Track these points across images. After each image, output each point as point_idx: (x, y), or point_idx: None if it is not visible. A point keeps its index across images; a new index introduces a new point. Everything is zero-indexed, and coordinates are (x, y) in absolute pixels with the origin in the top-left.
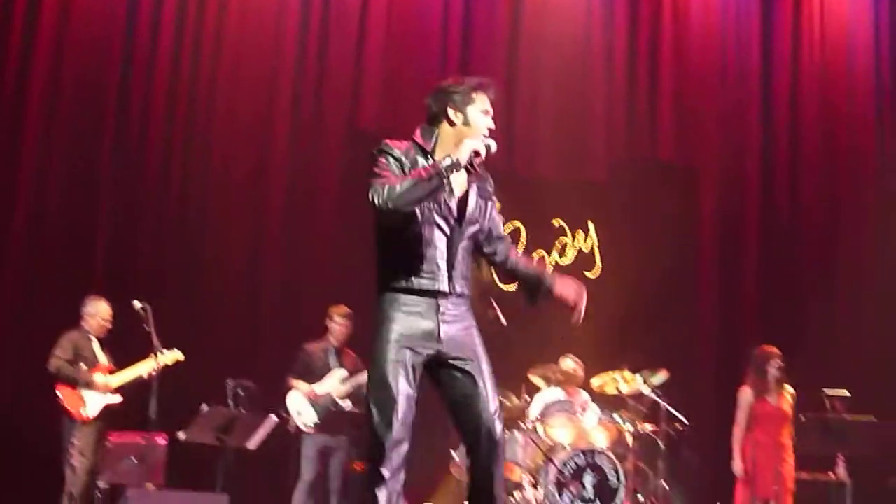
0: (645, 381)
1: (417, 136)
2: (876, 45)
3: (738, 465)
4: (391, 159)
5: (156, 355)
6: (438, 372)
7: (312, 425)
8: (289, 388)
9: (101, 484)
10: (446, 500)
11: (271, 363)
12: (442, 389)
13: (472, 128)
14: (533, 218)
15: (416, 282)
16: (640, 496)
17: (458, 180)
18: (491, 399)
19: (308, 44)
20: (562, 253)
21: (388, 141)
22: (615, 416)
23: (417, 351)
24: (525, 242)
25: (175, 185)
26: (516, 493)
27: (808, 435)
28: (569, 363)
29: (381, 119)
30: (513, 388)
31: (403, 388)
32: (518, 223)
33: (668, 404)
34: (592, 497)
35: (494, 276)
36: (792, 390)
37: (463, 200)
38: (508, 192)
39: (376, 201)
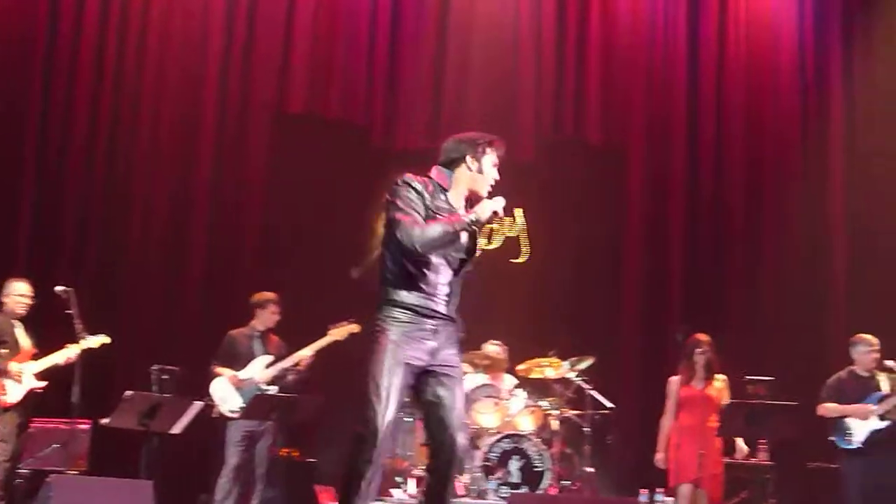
0: (571, 367)
1: (435, 174)
2: (800, 29)
3: (660, 457)
4: (414, 193)
5: (79, 340)
6: (422, 382)
7: (237, 411)
8: (213, 375)
9: (23, 470)
10: None
11: (196, 348)
12: (419, 394)
13: (484, 176)
14: None
15: (420, 301)
16: (565, 481)
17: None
18: (459, 414)
19: (235, 27)
20: (489, 238)
21: (409, 175)
22: (541, 401)
23: (411, 364)
24: None
25: (99, 169)
26: None
27: (732, 420)
28: (493, 348)
29: (310, 103)
30: None
31: (395, 399)
32: None
33: (594, 389)
34: (518, 481)
35: None
36: (724, 377)
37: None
38: None
39: (406, 241)
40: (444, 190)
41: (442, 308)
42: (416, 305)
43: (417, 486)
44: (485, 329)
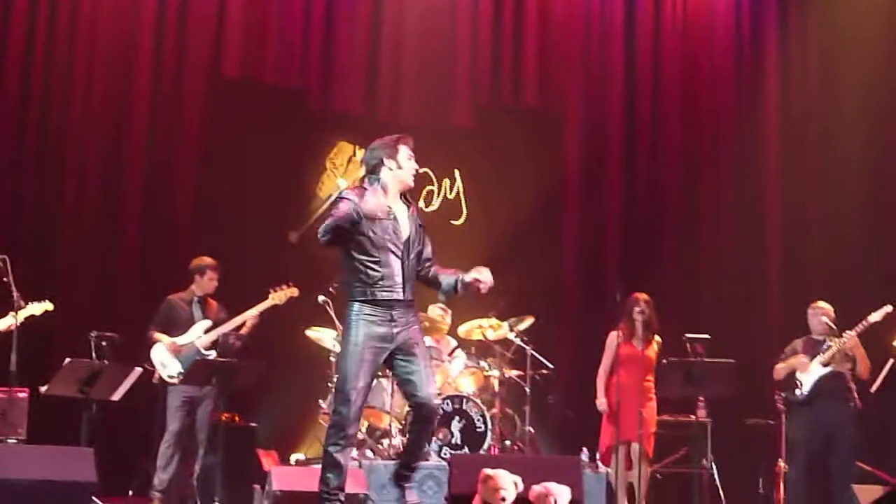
0: (511, 328)
1: (367, 187)
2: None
3: (601, 402)
4: (347, 204)
5: (16, 309)
6: (391, 359)
7: (177, 376)
8: (151, 341)
9: None
10: (315, 447)
11: (134, 314)
12: (393, 371)
13: (404, 170)
14: None
15: (378, 294)
16: (507, 441)
17: (403, 216)
18: (429, 381)
19: None
20: (428, 201)
21: (346, 189)
22: (482, 362)
23: (377, 349)
24: None
25: (32, 136)
26: (384, 441)
27: (670, 378)
28: (435, 311)
29: (246, 66)
30: None
31: (364, 382)
32: None
33: (534, 350)
34: (460, 443)
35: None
36: (659, 339)
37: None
38: (372, 139)
39: (320, 236)
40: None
41: (398, 295)
42: (375, 298)
43: (358, 449)
44: (427, 292)
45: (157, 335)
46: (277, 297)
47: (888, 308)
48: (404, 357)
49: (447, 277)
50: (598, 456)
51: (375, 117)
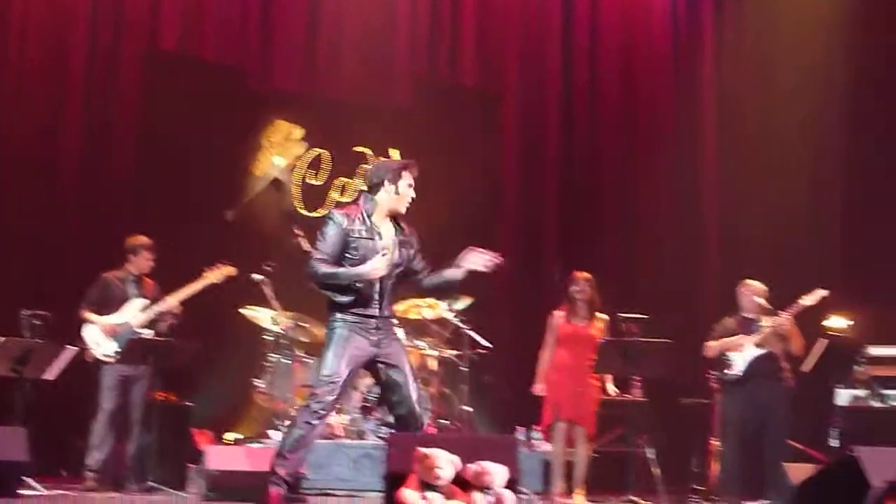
0: (448, 307)
1: (361, 201)
2: None
3: (538, 387)
4: (332, 229)
5: None
6: (374, 367)
7: (112, 355)
8: (83, 320)
9: None
10: (251, 426)
11: (68, 292)
12: (376, 378)
13: (401, 196)
14: (336, 143)
15: (359, 309)
16: (444, 420)
17: (387, 237)
18: (413, 390)
19: None
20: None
21: (335, 210)
22: (418, 341)
23: (357, 354)
24: (328, 169)
25: None
26: None
27: (607, 357)
28: None
29: (183, 41)
30: (316, 315)
31: (343, 377)
32: (321, 150)
33: (471, 329)
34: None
35: (300, 205)
36: (605, 317)
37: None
38: (311, 117)
39: (310, 273)
40: (370, 215)
41: (375, 311)
42: (355, 310)
43: None
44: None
45: (89, 315)
46: (213, 275)
47: (822, 292)
48: (389, 368)
49: (441, 280)
50: (537, 434)
51: (314, 95)
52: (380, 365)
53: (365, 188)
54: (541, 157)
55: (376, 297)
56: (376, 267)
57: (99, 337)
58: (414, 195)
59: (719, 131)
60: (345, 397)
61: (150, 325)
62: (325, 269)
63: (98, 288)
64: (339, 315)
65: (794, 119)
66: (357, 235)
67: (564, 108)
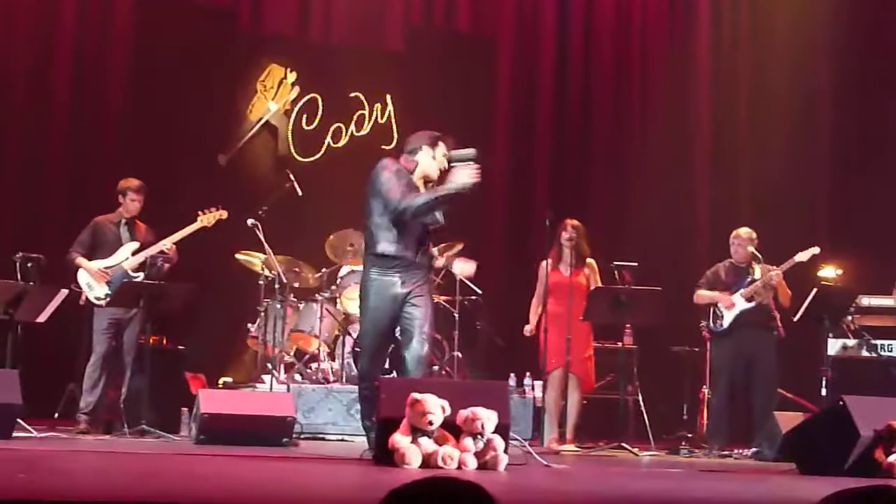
0: (439, 253)
1: (402, 160)
2: None
3: (528, 328)
4: (394, 172)
5: None
6: (401, 308)
7: (104, 298)
8: (75, 265)
9: None
10: (243, 371)
11: (60, 235)
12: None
13: (436, 161)
14: (330, 89)
15: (398, 252)
16: (435, 366)
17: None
18: (422, 328)
19: None
20: (359, 125)
21: (385, 160)
22: None
23: (391, 304)
24: (321, 114)
25: None
26: (313, 365)
27: (598, 305)
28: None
29: None
30: (309, 260)
31: (381, 331)
32: (315, 94)
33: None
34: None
35: (293, 150)
36: (592, 262)
37: None
38: (304, 63)
39: (399, 209)
40: (410, 172)
41: (411, 255)
42: (394, 255)
43: (286, 373)
44: (357, 216)
45: (81, 260)
46: (206, 219)
47: (815, 249)
48: (410, 306)
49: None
50: (527, 381)
51: (306, 39)
52: (403, 307)
53: (407, 151)
54: (533, 103)
55: (415, 242)
56: (467, 181)
57: (91, 280)
58: (446, 165)
59: (712, 80)
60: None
61: (143, 268)
62: (418, 199)
63: (90, 232)
64: (372, 263)
65: (785, 68)
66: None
67: (558, 56)
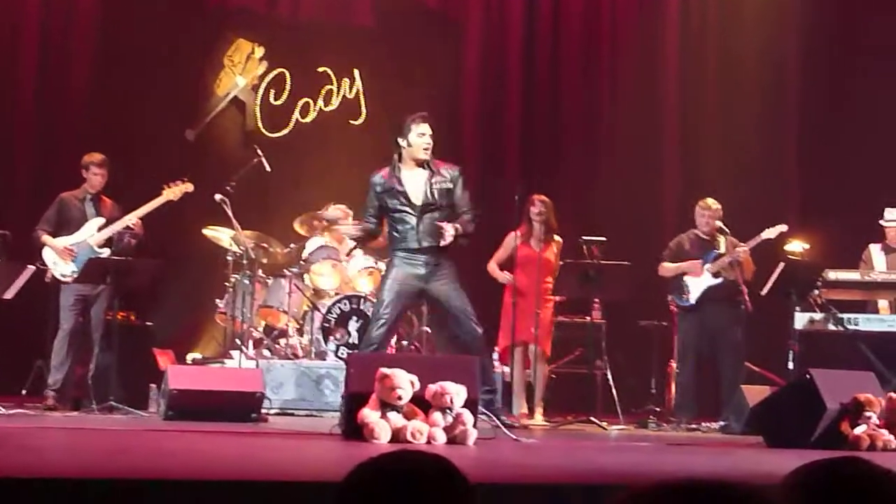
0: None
1: (395, 159)
2: None
3: (505, 277)
4: (371, 193)
5: None
6: (423, 296)
7: (70, 275)
8: (40, 243)
9: None
10: (210, 346)
11: (26, 211)
12: (431, 307)
13: (414, 147)
14: (298, 64)
15: (405, 245)
16: (404, 341)
17: (417, 182)
18: (462, 309)
19: None
20: (327, 101)
21: (374, 173)
22: (379, 262)
23: (405, 290)
24: (290, 89)
25: None
26: (282, 340)
27: (566, 280)
28: (336, 211)
29: None
30: (278, 235)
31: (393, 307)
32: (283, 69)
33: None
34: (357, 342)
35: (261, 125)
36: (559, 240)
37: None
38: (272, 38)
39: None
40: (395, 168)
41: (414, 244)
42: (403, 248)
43: (255, 348)
44: (325, 191)
45: (46, 238)
46: (171, 192)
47: (782, 227)
48: (438, 292)
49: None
50: (496, 355)
51: (275, 14)
52: (429, 295)
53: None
54: (503, 78)
55: (412, 232)
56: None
57: (57, 258)
58: (429, 142)
59: (681, 54)
60: (394, 331)
61: (109, 244)
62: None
63: (55, 208)
64: (393, 252)
65: (754, 46)
66: (388, 195)
67: (527, 32)
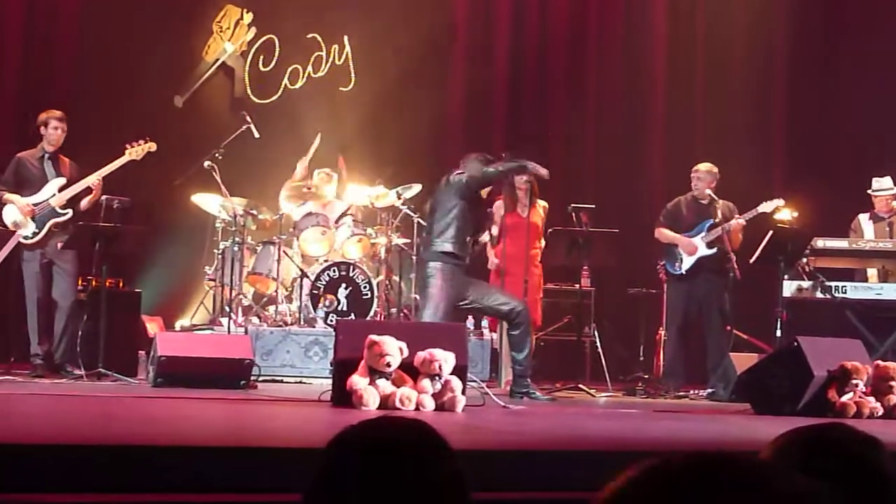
0: (398, 195)
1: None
2: None
3: (492, 262)
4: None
5: None
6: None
7: (31, 237)
8: (3, 202)
9: None
10: (200, 313)
11: None
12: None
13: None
14: (287, 30)
15: (459, 251)
16: (393, 308)
17: None
18: (497, 296)
19: None
20: (317, 67)
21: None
22: (368, 229)
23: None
24: (278, 55)
25: None
26: (270, 307)
27: (555, 247)
28: (320, 175)
29: None
30: (266, 202)
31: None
32: (272, 35)
33: (420, 217)
34: (346, 309)
35: (250, 91)
36: (545, 203)
37: None
38: (261, 3)
39: (486, 176)
40: None
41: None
42: (456, 253)
43: (244, 315)
44: (316, 158)
45: (9, 196)
46: (134, 152)
47: (779, 201)
48: (475, 302)
49: None
50: (484, 323)
51: None
52: (469, 306)
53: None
54: (491, 44)
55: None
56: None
57: (18, 218)
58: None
59: (669, 27)
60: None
61: (71, 204)
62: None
63: (13, 168)
64: (438, 261)
65: (743, 20)
66: None
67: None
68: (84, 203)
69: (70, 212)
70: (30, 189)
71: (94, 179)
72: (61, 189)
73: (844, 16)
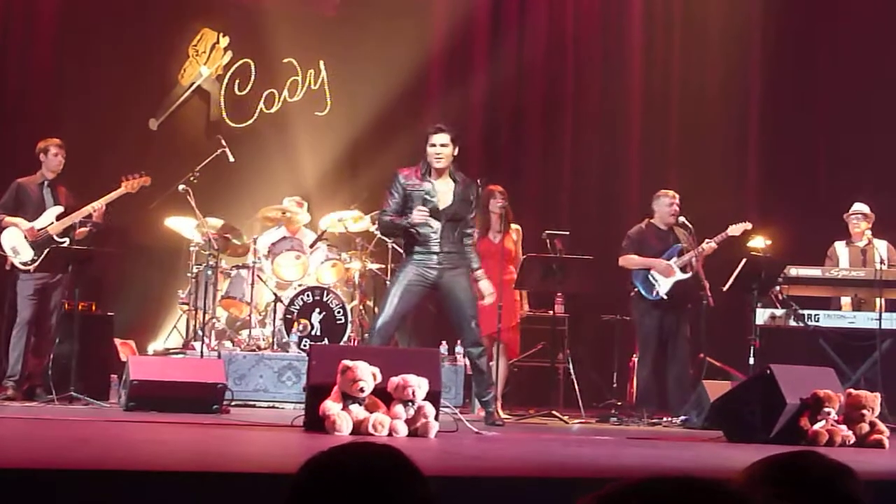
0: (372, 220)
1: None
2: None
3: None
4: (395, 186)
5: None
6: (434, 294)
7: (29, 262)
8: (4, 225)
9: None
10: (173, 337)
11: None
12: (441, 304)
13: (428, 156)
14: (263, 54)
15: (421, 248)
16: (366, 334)
17: (443, 191)
18: (469, 309)
19: None
20: (292, 92)
21: (399, 169)
22: (343, 254)
23: (414, 290)
24: (254, 79)
25: None
26: (244, 331)
27: (529, 273)
28: (291, 204)
29: None
30: (240, 226)
31: (399, 303)
32: (248, 60)
33: (394, 242)
34: (320, 334)
35: (225, 115)
36: (518, 227)
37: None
38: (237, 28)
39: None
40: (424, 173)
41: (436, 248)
42: (419, 251)
43: (217, 339)
44: (287, 184)
45: (10, 219)
46: (130, 185)
47: (747, 224)
48: (448, 292)
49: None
50: (458, 349)
51: (240, 3)
52: (439, 293)
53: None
54: (468, 70)
55: (434, 237)
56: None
57: (17, 243)
58: (439, 152)
59: (645, 50)
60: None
61: (67, 233)
62: (385, 220)
63: (12, 193)
64: (406, 255)
65: (718, 40)
66: (410, 193)
67: (493, 21)
68: (82, 234)
69: (67, 240)
70: (28, 214)
71: (95, 207)
72: (59, 217)
73: (820, 42)
